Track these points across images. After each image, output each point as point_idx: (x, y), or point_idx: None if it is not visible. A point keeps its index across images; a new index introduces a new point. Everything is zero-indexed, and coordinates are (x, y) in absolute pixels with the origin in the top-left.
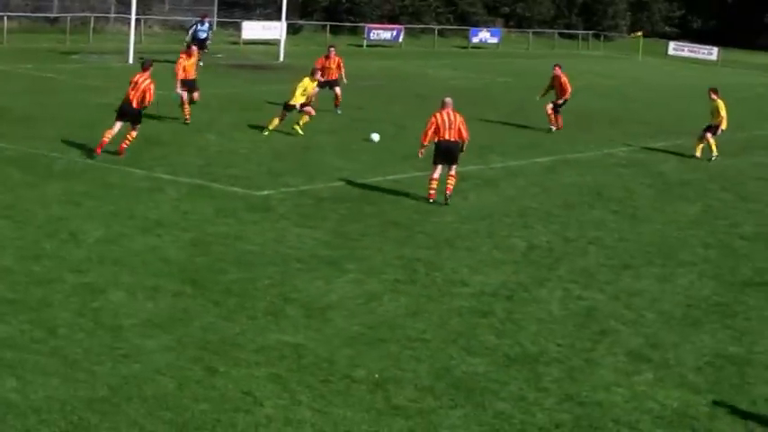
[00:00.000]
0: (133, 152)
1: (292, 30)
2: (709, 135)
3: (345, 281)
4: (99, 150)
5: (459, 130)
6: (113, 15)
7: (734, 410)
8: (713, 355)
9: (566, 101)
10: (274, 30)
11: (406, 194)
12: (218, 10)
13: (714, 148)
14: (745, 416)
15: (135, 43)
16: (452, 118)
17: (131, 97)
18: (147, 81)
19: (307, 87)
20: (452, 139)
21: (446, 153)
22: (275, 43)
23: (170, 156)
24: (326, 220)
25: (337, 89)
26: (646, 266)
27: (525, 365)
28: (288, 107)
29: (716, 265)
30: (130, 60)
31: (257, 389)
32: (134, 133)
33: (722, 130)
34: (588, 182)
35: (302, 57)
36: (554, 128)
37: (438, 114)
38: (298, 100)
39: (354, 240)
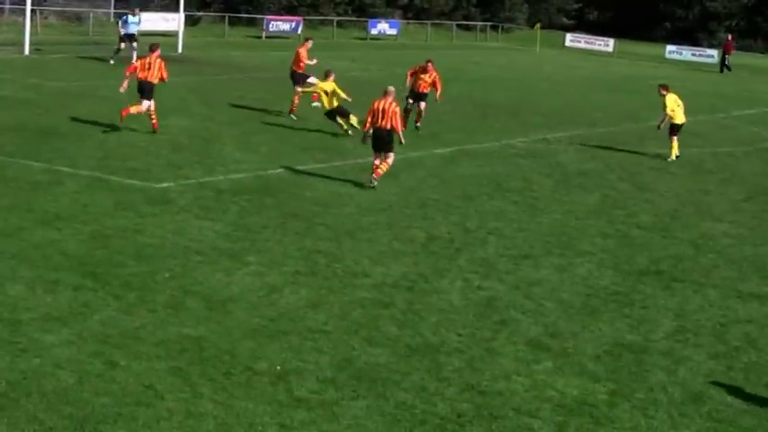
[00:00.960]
0: (31, 145)
1: (190, 21)
2: (674, 137)
3: (246, 273)
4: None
5: (392, 119)
6: (8, 6)
7: (632, 398)
8: (611, 344)
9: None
10: (172, 21)
11: (306, 186)
12: (116, 1)
13: (674, 150)
14: (643, 403)
15: (31, 35)
16: (387, 107)
17: (149, 76)
18: (159, 60)
19: (328, 89)
20: (384, 128)
21: (377, 140)
22: (173, 35)
23: (69, 148)
24: (227, 212)
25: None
26: (545, 256)
27: (426, 356)
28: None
29: (614, 254)
30: (26, 52)
31: (158, 382)
32: (152, 107)
33: (674, 124)
34: (487, 173)
35: (200, 48)
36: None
37: (376, 102)
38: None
39: (255, 233)
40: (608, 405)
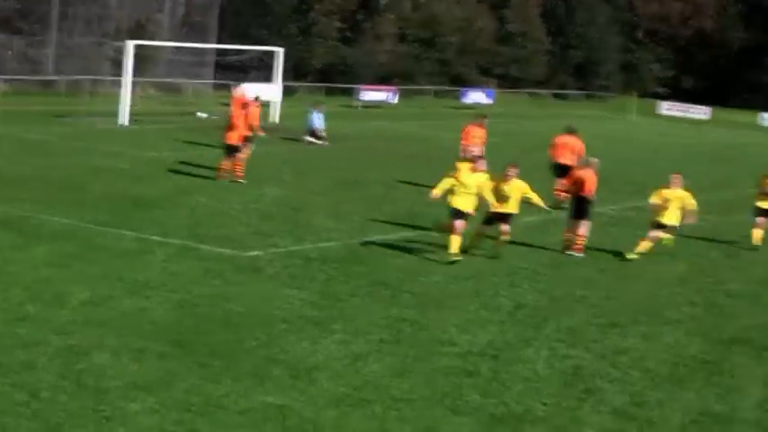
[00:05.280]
0: (123, 214)
1: (288, 91)
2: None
3: (331, 341)
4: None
5: (586, 187)
6: (109, 78)
7: None
8: (698, 413)
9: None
10: (269, 92)
11: (395, 255)
12: (215, 73)
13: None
14: None
15: (131, 105)
16: (584, 177)
17: None
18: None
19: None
20: (582, 195)
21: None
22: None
23: (160, 217)
24: (314, 280)
25: None
26: (632, 325)
27: (510, 425)
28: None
29: (702, 322)
30: (126, 122)
31: None
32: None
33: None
34: None
35: (296, 118)
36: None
37: (577, 171)
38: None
39: (342, 301)
40: None
